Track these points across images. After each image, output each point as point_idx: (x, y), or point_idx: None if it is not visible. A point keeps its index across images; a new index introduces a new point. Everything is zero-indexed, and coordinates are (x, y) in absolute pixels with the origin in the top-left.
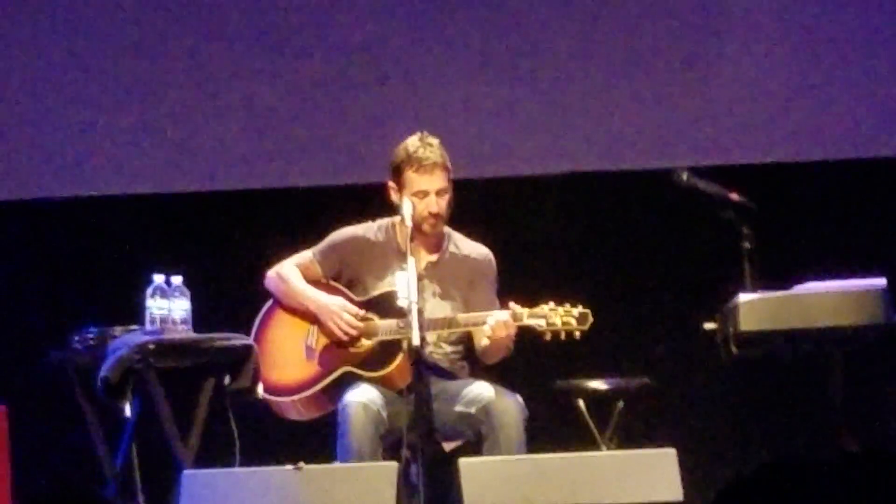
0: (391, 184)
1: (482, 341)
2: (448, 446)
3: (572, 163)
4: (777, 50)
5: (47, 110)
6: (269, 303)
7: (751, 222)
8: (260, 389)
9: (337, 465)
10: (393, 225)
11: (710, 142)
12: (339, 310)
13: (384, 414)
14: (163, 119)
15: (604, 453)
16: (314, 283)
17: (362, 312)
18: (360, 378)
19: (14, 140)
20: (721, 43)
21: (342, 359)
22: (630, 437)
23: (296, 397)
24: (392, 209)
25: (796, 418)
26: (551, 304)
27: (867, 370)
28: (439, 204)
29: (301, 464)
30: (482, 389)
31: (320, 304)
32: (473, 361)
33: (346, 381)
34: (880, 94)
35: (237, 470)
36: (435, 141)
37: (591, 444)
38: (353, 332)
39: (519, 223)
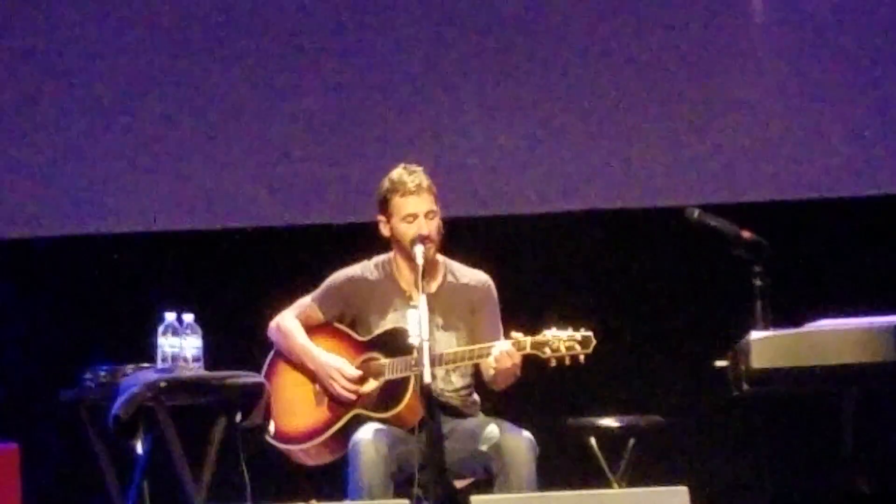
0: (380, 217)
1: (489, 371)
2: (460, 484)
3: (584, 201)
4: (788, 88)
5: (60, 149)
6: (272, 354)
7: (763, 260)
8: (272, 427)
9: (347, 503)
10: (389, 261)
11: (722, 180)
12: (336, 374)
13: (395, 452)
14: (175, 158)
15: (615, 491)
16: (317, 327)
17: (358, 374)
18: (370, 419)
19: (27, 179)
20: (733, 81)
21: (352, 401)
22: (641, 475)
23: (309, 444)
24: (385, 246)
25: (808, 457)
26: (553, 331)
27: (880, 408)
28: (429, 226)
29: (312, 502)
30: (493, 427)
31: (318, 363)
32: (484, 393)
33: (356, 424)
34: (893, 132)
35: None
36: (418, 168)
37: (602, 482)
38: (351, 397)
39: (530, 261)
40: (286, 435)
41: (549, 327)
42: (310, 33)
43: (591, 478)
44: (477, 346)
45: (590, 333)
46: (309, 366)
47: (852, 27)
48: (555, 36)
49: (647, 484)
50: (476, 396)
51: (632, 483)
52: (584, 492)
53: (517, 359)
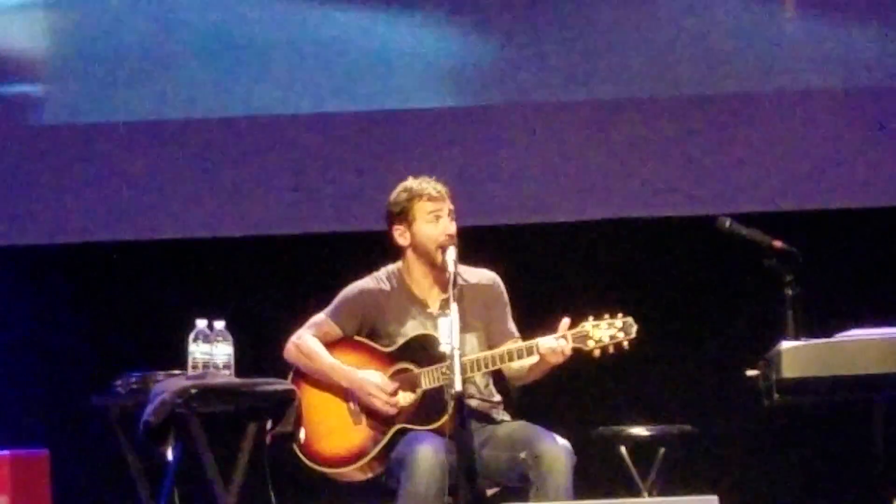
0: (396, 227)
1: (518, 367)
2: (490, 492)
3: (615, 209)
4: (821, 95)
5: (91, 155)
6: (293, 372)
7: (794, 269)
8: (302, 435)
9: None
10: (398, 271)
11: (753, 188)
12: (375, 390)
13: (448, 460)
14: (207, 164)
15: (645, 500)
16: (338, 343)
17: (396, 386)
18: (415, 432)
19: (59, 184)
20: (765, 88)
21: (391, 416)
22: (672, 484)
23: (356, 465)
24: (395, 257)
25: (839, 467)
26: (591, 320)
27: None
28: (452, 227)
29: None
30: (531, 434)
31: (352, 380)
32: (515, 403)
33: (398, 438)
34: None
35: None
36: (432, 179)
37: (632, 491)
38: (392, 411)
39: (561, 270)
40: (329, 458)
41: (586, 318)
42: (331, 43)
43: (621, 486)
44: (523, 344)
45: (629, 318)
46: (342, 384)
47: (885, 31)
48: (577, 40)
49: (676, 493)
50: (498, 395)
51: (662, 492)
52: (614, 500)
53: (568, 352)
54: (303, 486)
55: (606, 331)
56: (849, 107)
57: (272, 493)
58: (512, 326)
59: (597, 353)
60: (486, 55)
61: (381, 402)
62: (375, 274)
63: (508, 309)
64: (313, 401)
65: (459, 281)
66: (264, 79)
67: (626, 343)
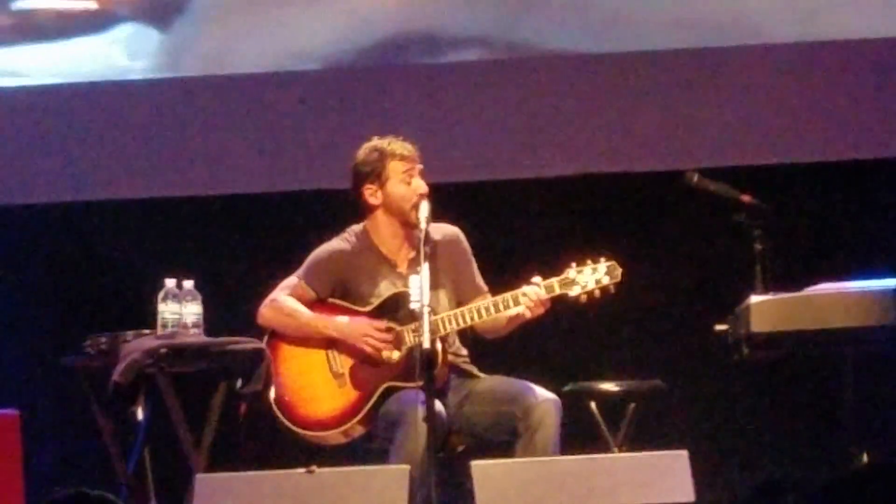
0: (368, 186)
1: (493, 320)
2: (460, 448)
3: (583, 165)
4: (788, 49)
5: (58, 115)
6: (268, 336)
7: (762, 224)
8: (272, 393)
9: (348, 468)
10: (364, 231)
11: (721, 143)
12: (368, 329)
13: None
14: (174, 123)
15: (616, 455)
16: (311, 305)
17: (385, 324)
18: (402, 389)
19: (24, 146)
20: (732, 43)
21: (378, 376)
22: (642, 439)
23: (345, 426)
24: (362, 217)
25: (807, 420)
26: (574, 266)
27: (879, 371)
28: (424, 185)
29: (313, 467)
30: (519, 389)
31: (343, 330)
32: (491, 356)
33: (385, 397)
34: (894, 95)
35: (249, 474)
36: (401, 139)
37: (602, 447)
38: (388, 347)
39: (528, 226)
40: (313, 421)
41: (569, 265)
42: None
43: (591, 442)
44: (507, 295)
45: (613, 262)
46: (329, 335)
47: None
48: None
49: (647, 448)
50: (464, 350)
51: (632, 447)
52: (584, 456)
53: (548, 302)
54: (275, 443)
55: (591, 275)
56: (817, 61)
57: (246, 446)
58: (480, 280)
59: (583, 298)
60: (451, 12)
61: (374, 341)
62: (342, 235)
63: (473, 263)
64: (294, 365)
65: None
66: (228, 37)
67: (612, 287)
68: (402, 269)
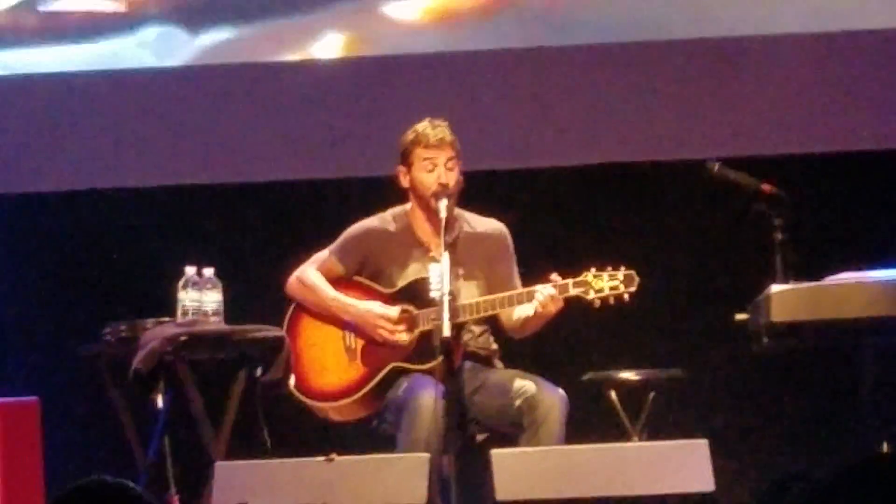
0: (400, 168)
1: (517, 314)
2: (479, 437)
3: (603, 155)
4: (811, 39)
5: (81, 103)
6: (293, 308)
7: (783, 213)
8: (291, 381)
9: (368, 456)
10: (406, 213)
11: (742, 133)
12: (379, 320)
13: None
14: (196, 110)
15: (635, 444)
16: (337, 281)
17: (398, 311)
18: (408, 372)
19: (46, 133)
20: (754, 32)
21: (387, 355)
22: (661, 428)
23: (346, 401)
24: (404, 198)
25: (827, 410)
26: (593, 271)
27: None
28: (447, 176)
29: (333, 455)
30: (526, 382)
31: (356, 313)
32: (505, 347)
33: (393, 378)
34: None
35: (269, 462)
36: (443, 123)
37: (622, 436)
38: (399, 339)
39: (548, 215)
40: (319, 392)
41: (588, 269)
42: None
43: (611, 431)
44: (518, 291)
45: (632, 272)
46: (344, 318)
47: None
48: None
49: (666, 437)
50: (495, 344)
51: (651, 436)
52: (603, 445)
53: (560, 303)
54: (295, 431)
55: (608, 282)
56: (839, 51)
57: (267, 438)
58: (516, 280)
59: (597, 303)
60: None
61: (386, 332)
62: (382, 214)
63: (513, 262)
64: (311, 336)
65: (466, 228)
66: (252, 25)
67: (626, 296)
68: (435, 254)
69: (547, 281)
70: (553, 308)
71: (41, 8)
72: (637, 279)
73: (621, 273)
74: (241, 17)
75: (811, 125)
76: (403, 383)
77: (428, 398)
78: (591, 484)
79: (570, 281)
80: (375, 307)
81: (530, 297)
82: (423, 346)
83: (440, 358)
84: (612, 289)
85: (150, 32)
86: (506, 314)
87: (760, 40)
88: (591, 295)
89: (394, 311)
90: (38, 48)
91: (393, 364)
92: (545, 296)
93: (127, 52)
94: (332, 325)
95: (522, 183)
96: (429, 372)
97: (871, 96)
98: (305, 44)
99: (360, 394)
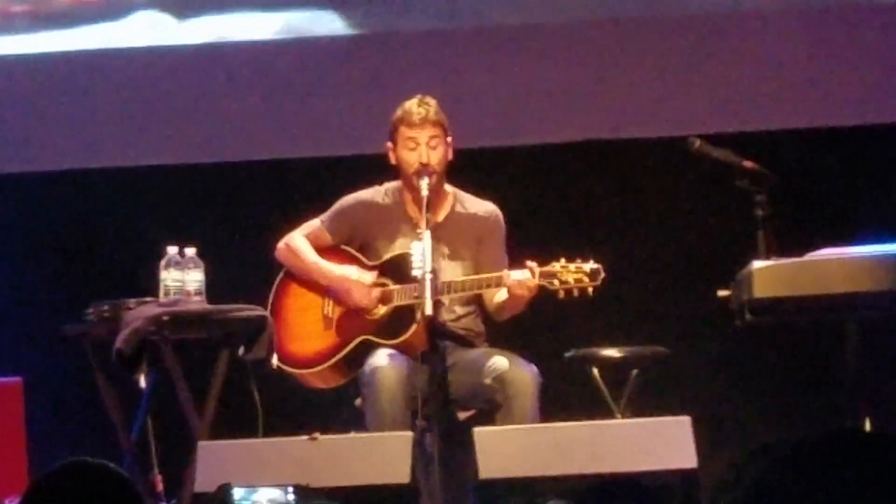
0: (389, 144)
1: (495, 299)
2: (462, 415)
3: (583, 131)
4: (790, 15)
5: (61, 83)
6: (282, 274)
7: (764, 189)
8: (274, 360)
9: (352, 434)
10: (399, 189)
11: (723, 109)
12: (351, 284)
13: (410, 380)
14: (175, 90)
15: (618, 421)
16: (325, 249)
17: (372, 277)
18: (377, 346)
19: (26, 113)
20: (735, 7)
21: (359, 327)
22: (644, 405)
23: (316, 369)
24: (396, 174)
25: (810, 387)
26: (562, 262)
27: (883, 337)
28: (429, 155)
29: (316, 434)
30: (497, 359)
31: (332, 277)
32: (488, 323)
33: (363, 350)
34: None
35: (252, 441)
36: (432, 101)
37: (605, 413)
38: (369, 304)
39: (531, 192)
40: (294, 358)
41: (558, 259)
42: None
43: (594, 409)
44: (488, 275)
45: (598, 266)
46: (321, 282)
47: None
48: None
49: (649, 414)
50: (482, 325)
51: (634, 413)
52: (586, 422)
53: (533, 289)
54: (280, 411)
55: (574, 274)
56: (820, 25)
57: (260, 411)
58: (503, 263)
59: (561, 294)
60: None
61: (357, 296)
62: (378, 187)
63: (503, 247)
64: (296, 302)
65: (458, 208)
66: (234, 7)
67: (590, 289)
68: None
69: (522, 266)
70: (525, 293)
71: None
72: (603, 274)
73: (588, 266)
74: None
75: (793, 100)
76: (368, 357)
77: (387, 371)
78: (575, 461)
79: (537, 270)
80: (352, 272)
81: (498, 282)
82: (394, 322)
83: (411, 331)
84: (576, 281)
85: (138, 17)
86: (487, 297)
87: (741, 15)
88: (556, 285)
89: (368, 276)
90: (27, 34)
91: (363, 337)
92: (515, 280)
93: (115, 37)
94: (315, 292)
95: (504, 160)
96: (397, 347)
97: (853, 71)
98: (284, 21)
99: (328, 364)
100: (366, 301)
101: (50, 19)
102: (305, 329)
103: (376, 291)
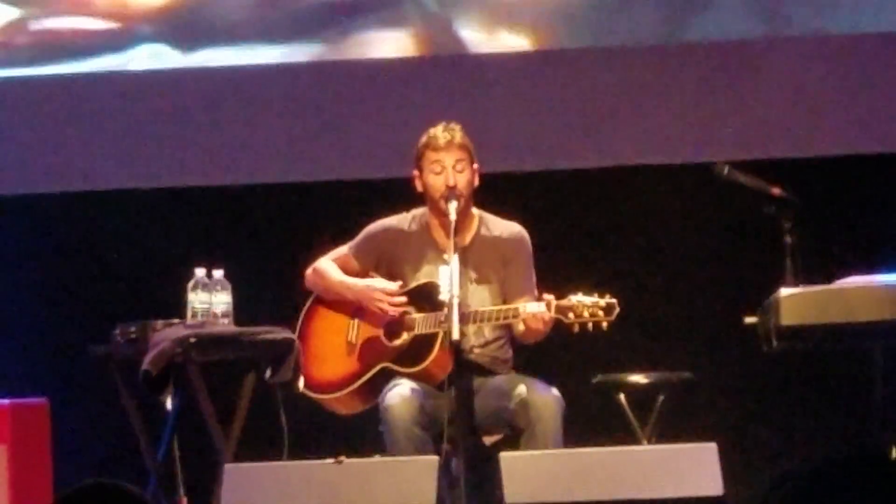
0: (415, 172)
1: (519, 326)
2: (488, 440)
3: (613, 158)
4: (817, 42)
5: (92, 103)
6: (311, 300)
7: (792, 216)
8: (301, 383)
9: (377, 458)
10: (425, 214)
11: (752, 136)
12: (378, 293)
13: (425, 410)
14: (205, 112)
15: (644, 447)
16: (352, 276)
17: (397, 285)
18: (397, 374)
19: (57, 133)
20: (763, 36)
21: (380, 354)
22: (671, 432)
23: (338, 394)
24: (422, 201)
25: (837, 414)
26: (579, 296)
27: None
28: (456, 178)
29: (342, 457)
30: (519, 384)
31: (358, 289)
32: (514, 349)
33: (384, 377)
34: None
35: (278, 464)
36: (457, 126)
37: (631, 439)
38: (397, 310)
39: (560, 218)
40: (316, 383)
41: (575, 292)
42: None
43: (620, 434)
44: (505, 307)
45: (614, 301)
46: (348, 296)
47: None
48: None
49: (676, 440)
50: (509, 352)
51: (661, 439)
52: (612, 448)
53: (549, 322)
54: (306, 435)
55: (589, 308)
56: (847, 52)
57: (286, 435)
58: (530, 285)
59: (576, 327)
60: (487, 2)
61: (385, 304)
62: (404, 214)
63: (531, 268)
64: (321, 326)
65: (483, 231)
66: (263, 30)
67: (604, 324)
68: (449, 256)
69: (541, 297)
70: (540, 326)
71: (33, 27)
72: (617, 309)
73: (604, 301)
74: (236, 35)
75: (821, 128)
76: (387, 386)
77: (398, 400)
78: (600, 487)
79: (553, 303)
80: (376, 282)
81: (515, 314)
82: (415, 349)
83: (430, 360)
84: (591, 315)
85: (142, 50)
86: (514, 325)
87: (769, 42)
88: (571, 319)
89: (393, 284)
90: (31, 67)
91: (382, 364)
92: (529, 314)
93: (144, 60)
94: (342, 316)
95: (533, 185)
96: (416, 375)
97: (881, 99)
98: (312, 46)
99: (349, 389)
100: (391, 309)
101: (53, 52)
102: (329, 354)
103: (403, 299)
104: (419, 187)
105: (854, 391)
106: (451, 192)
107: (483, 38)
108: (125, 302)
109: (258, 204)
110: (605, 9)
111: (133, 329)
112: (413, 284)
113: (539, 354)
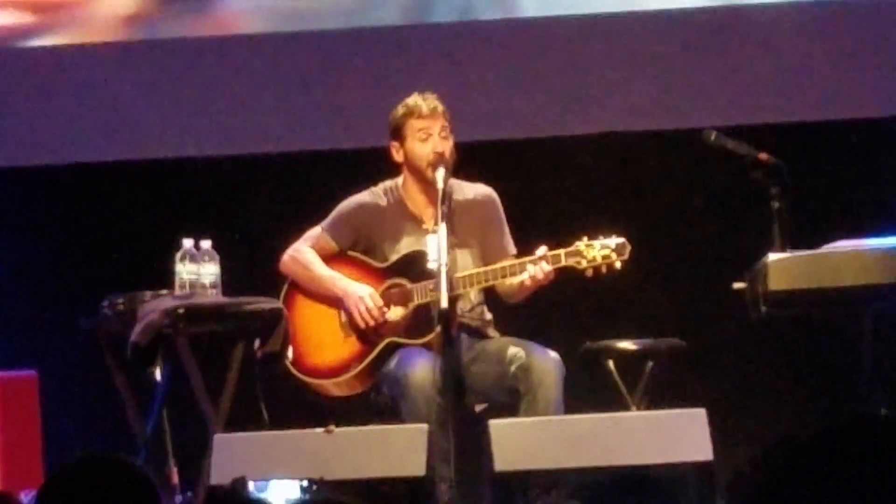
0: (393, 143)
1: (510, 282)
2: (478, 408)
3: (600, 124)
4: (806, 7)
5: (75, 76)
6: (288, 285)
7: (780, 182)
8: (290, 353)
9: (367, 427)
10: (396, 187)
11: (739, 101)
12: (361, 304)
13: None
14: (192, 83)
15: (633, 414)
16: (332, 257)
17: (381, 304)
18: (404, 346)
19: (42, 106)
20: (751, 1)
21: (383, 330)
22: (660, 398)
23: (343, 377)
24: (394, 172)
25: (826, 378)
26: (585, 240)
27: None
28: (443, 145)
29: (332, 427)
30: (520, 348)
31: (346, 292)
32: (502, 315)
33: (388, 352)
34: None
35: (268, 433)
36: (432, 95)
37: (620, 405)
38: (372, 323)
39: (547, 185)
40: (316, 369)
41: (580, 238)
42: None
43: (609, 401)
44: (511, 263)
45: (623, 240)
46: (336, 293)
47: None
48: None
49: (665, 406)
50: (489, 314)
51: (650, 406)
52: (602, 415)
53: (552, 275)
54: (293, 404)
55: (600, 251)
56: (836, 17)
57: (265, 411)
58: (508, 243)
59: (589, 272)
60: None
61: (367, 317)
62: (373, 188)
63: (505, 225)
64: (306, 313)
65: (456, 196)
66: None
67: (618, 264)
68: (428, 226)
69: (534, 252)
70: (545, 280)
71: None
72: (629, 247)
73: (613, 241)
74: (220, 4)
75: (808, 93)
76: (396, 356)
77: (420, 370)
78: (590, 454)
79: (562, 252)
80: (361, 290)
81: (522, 268)
82: (418, 320)
83: (437, 330)
84: (604, 258)
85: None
86: (500, 283)
87: (757, 8)
88: (584, 265)
89: (378, 300)
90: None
91: (388, 339)
92: (536, 269)
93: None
94: (326, 303)
95: (520, 152)
96: (424, 345)
97: (868, 64)
98: (297, 15)
99: (358, 370)
100: (369, 321)
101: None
102: (324, 338)
103: (381, 317)
104: (398, 158)
105: (843, 355)
106: (439, 158)
107: (461, 5)
108: (113, 274)
109: (246, 174)
110: None
111: (121, 301)
112: (396, 257)
113: (528, 321)
